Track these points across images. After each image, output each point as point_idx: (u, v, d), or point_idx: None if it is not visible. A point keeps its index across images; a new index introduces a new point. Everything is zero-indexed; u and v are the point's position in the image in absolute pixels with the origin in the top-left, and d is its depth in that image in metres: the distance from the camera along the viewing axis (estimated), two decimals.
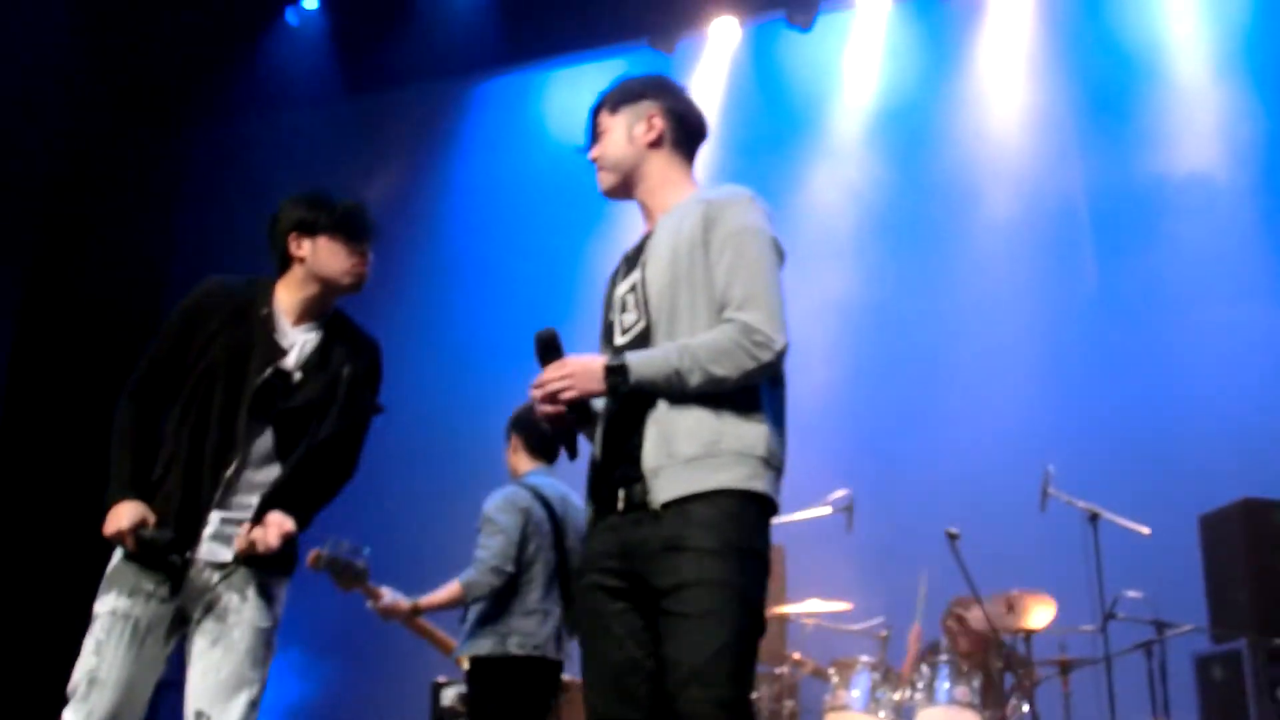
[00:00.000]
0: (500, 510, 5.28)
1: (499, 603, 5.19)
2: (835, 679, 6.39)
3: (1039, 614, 6.51)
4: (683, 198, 3.32)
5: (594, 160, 3.40)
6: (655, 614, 3.02)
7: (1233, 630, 6.48)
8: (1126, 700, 6.39)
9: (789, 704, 6.59)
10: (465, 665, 5.28)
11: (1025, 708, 6.28)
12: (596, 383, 3.06)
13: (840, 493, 6.97)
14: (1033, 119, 8.72)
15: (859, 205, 8.95)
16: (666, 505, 3.01)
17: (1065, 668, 6.49)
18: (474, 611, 5.25)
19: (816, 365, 8.32)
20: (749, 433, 3.06)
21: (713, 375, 3.01)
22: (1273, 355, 7.70)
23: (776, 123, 9.29)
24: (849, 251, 8.85)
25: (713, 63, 9.55)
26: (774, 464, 3.10)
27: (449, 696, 5.50)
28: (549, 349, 3.15)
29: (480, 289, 9.64)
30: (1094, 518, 6.65)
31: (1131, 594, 6.46)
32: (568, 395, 3.07)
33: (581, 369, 3.07)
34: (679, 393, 3.04)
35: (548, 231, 9.23)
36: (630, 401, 3.12)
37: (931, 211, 8.84)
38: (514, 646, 5.14)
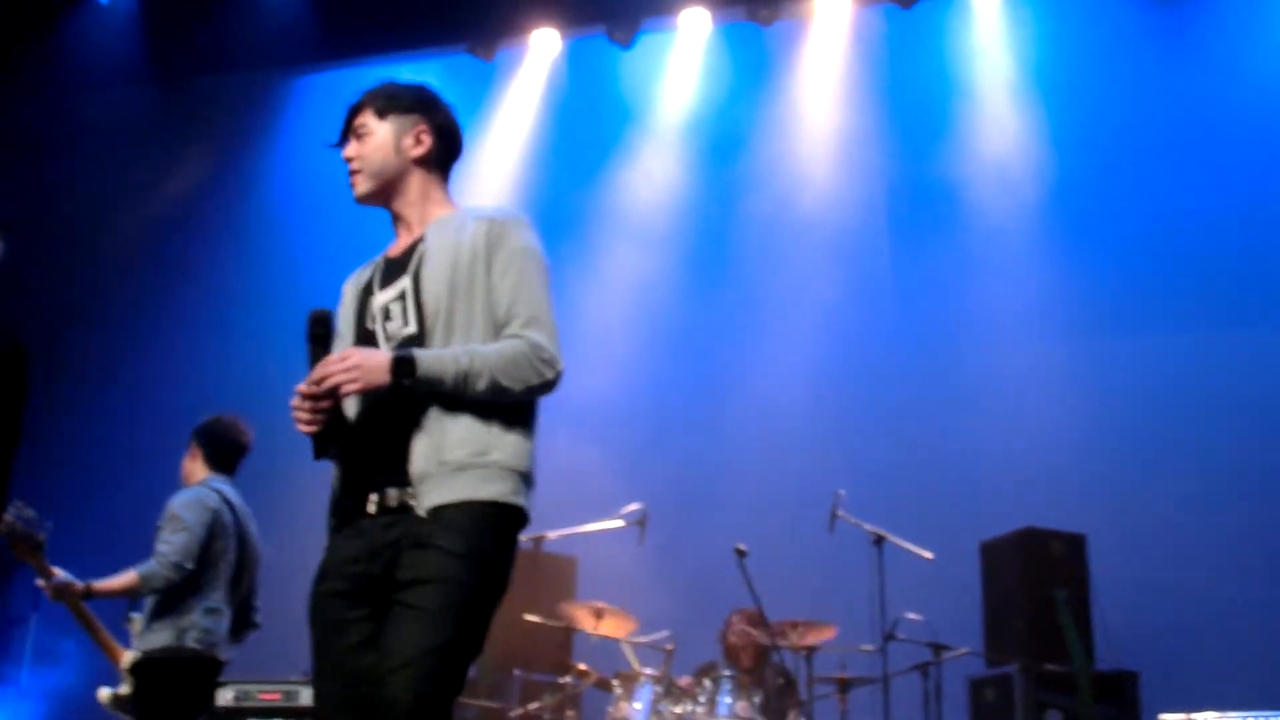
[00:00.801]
0: (187, 508, 5.34)
1: (178, 598, 5.24)
2: (618, 690, 6.32)
3: (820, 634, 6.56)
4: (445, 212, 3.31)
5: (349, 160, 3.32)
6: (389, 608, 2.97)
7: (1006, 655, 6.63)
8: (903, 718, 6.47)
9: (571, 714, 6.50)
10: (127, 662, 5.29)
11: None
12: (382, 375, 2.97)
13: (633, 506, 6.94)
14: (839, 147, 8.84)
15: (666, 221, 8.94)
16: (430, 510, 2.98)
17: (844, 686, 6.55)
18: (150, 604, 5.29)
19: (613, 379, 8.30)
20: (516, 447, 3.08)
21: (499, 384, 3.00)
22: (1056, 389, 7.92)
23: (590, 135, 9.25)
24: (650, 263, 8.83)
25: (531, 73, 9.49)
26: (531, 480, 3.11)
27: (103, 696, 5.38)
28: (321, 329, 3.08)
29: (284, 284, 9.37)
30: (879, 541, 6.75)
31: (911, 616, 6.55)
32: (352, 388, 2.97)
33: (367, 361, 2.98)
34: (461, 395, 3.00)
35: (354, 230, 9.01)
36: (394, 406, 3.05)
37: (735, 228, 8.90)
38: (191, 641, 5.22)
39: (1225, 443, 7.59)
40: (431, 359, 2.99)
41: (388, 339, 3.15)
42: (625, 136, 9.20)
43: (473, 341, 3.07)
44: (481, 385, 2.99)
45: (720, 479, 8.27)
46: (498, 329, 3.10)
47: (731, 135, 9.07)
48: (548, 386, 3.07)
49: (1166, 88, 8.35)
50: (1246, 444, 7.57)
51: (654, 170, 9.04)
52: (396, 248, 3.30)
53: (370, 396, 3.06)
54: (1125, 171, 8.30)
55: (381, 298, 3.21)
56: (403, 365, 2.97)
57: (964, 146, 8.58)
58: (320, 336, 3.09)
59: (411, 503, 3.00)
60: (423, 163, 3.32)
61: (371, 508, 3.05)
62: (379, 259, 3.32)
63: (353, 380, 2.96)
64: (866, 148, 8.80)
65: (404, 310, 3.15)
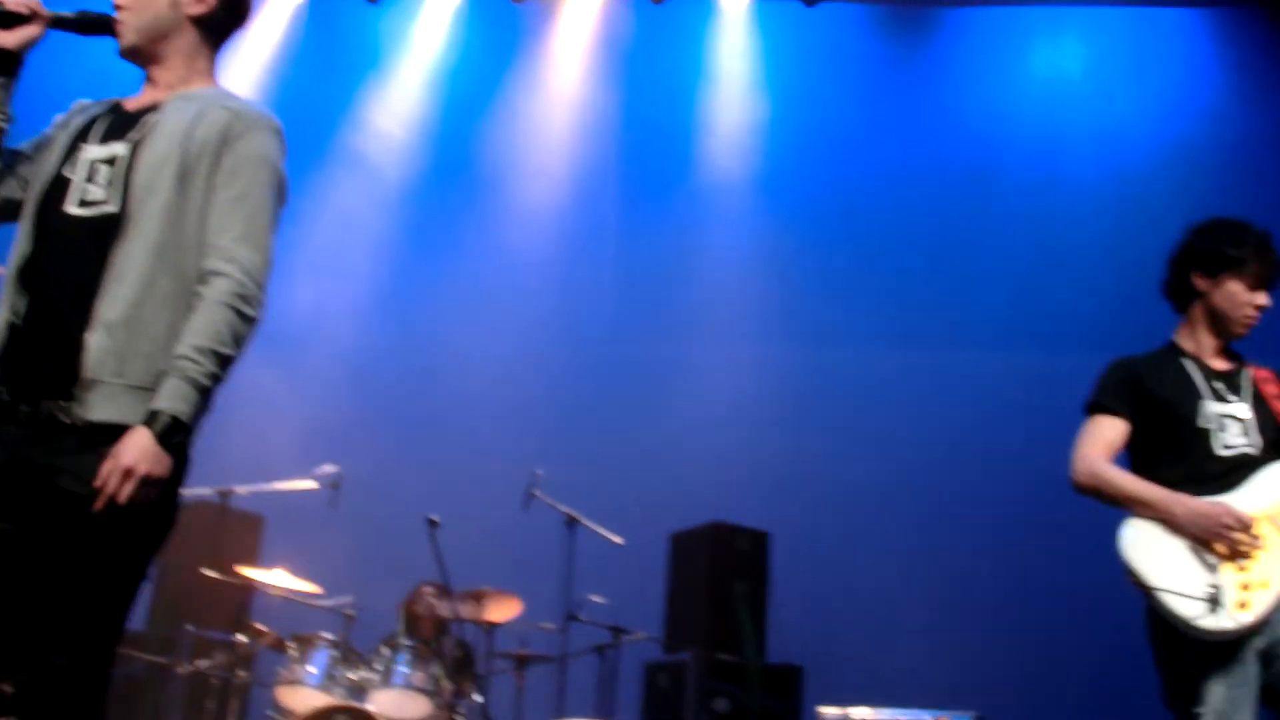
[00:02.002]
0: None
1: None
2: (294, 653, 6.16)
3: (504, 609, 6.55)
4: (204, 86, 3.02)
5: (118, 6, 2.98)
6: (36, 527, 2.67)
7: (683, 642, 6.83)
8: (576, 699, 6.54)
9: (242, 674, 6.30)
10: None
11: (478, 698, 6.27)
12: (162, 462, 2.67)
13: (329, 468, 6.76)
14: (574, 133, 8.88)
15: (393, 185, 8.82)
16: (91, 425, 2.68)
17: (522, 662, 6.57)
18: None
19: (323, 336, 8.12)
20: None
21: (230, 358, 2.77)
22: (754, 391, 8.22)
23: (325, 87, 8.96)
24: (373, 221, 8.73)
25: (268, 27, 9.14)
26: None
27: None
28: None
29: None
30: (572, 522, 6.78)
31: (595, 599, 6.61)
32: (135, 495, 2.64)
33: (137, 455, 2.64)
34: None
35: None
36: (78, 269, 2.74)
37: (463, 198, 8.84)
38: None
39: (905, 453, 8.00)
40: (183, 402, 2.68)
41: (83, 202, 2.82)
42: (360, 92, 8.98)
43: (167, 235, 2.77)
44: (220, 376, 2.75)
45: (420, 448, 8.19)
46: (208, 236, 2.81)
47: (471, 105, 8.96)
48: (255, 326, 2.84)
49: (902, 105, 8.74)
50: (924, 455, 7.99)
51: (385, 130, 8.85)
52: (134, 102, 2.98)
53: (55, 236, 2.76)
54: (837, 184, 8.64)
55: (92, 152, 2.87)
56: (173, 434, 2.68)
57: (692, 150, 8.75)
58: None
59: (67, 409, 2.69)
60: (199, 23, 2.99)
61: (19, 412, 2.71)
62: (110, 103, 2.98)
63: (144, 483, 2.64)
64: (601, 138, 8.85)
65: (110, 180, 2.82)
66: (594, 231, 8.78)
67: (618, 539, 6.73)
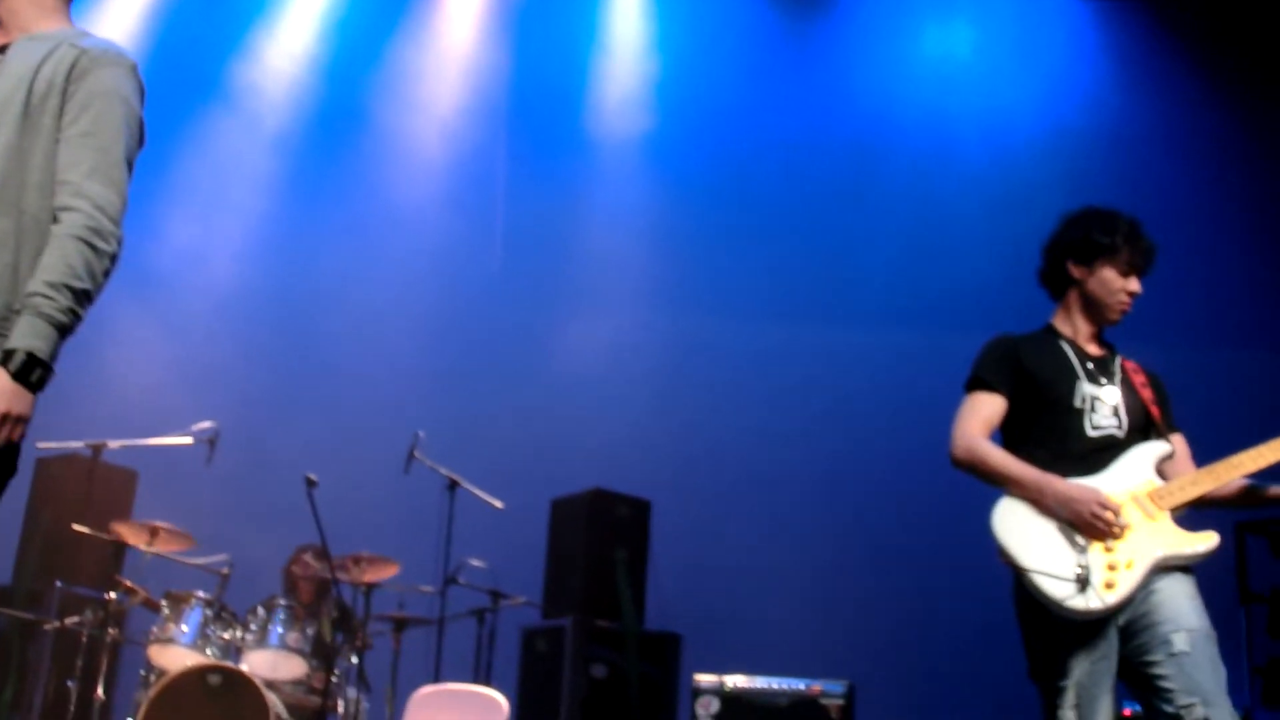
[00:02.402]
0: None
1: None
2: (166, 611, 6.06)
3: (382, 571, 6.50)
4: (55, 26, 2.92)
5: None
6: None
7: (562, 608, 6.85)
8: (453, 663, 6.56)
9: (113, 632, 6.17)
10: None
11: (355, 660, 6.23)
12: (26, 401, 2.61)
13: (205, 424, 6.63)
14: (468, 90, 8.81)
15: (272, 144, 8.62)
16: None
17: (400, 625, 6.55)
18: None
19: (199, 287, 7.97)
20: None
21: (85, 293, 2.67)
22: (639, 362, 8.29)
23: (216, 39, 8.76)
24: (258, 167, 8.54)
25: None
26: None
27: None
28: None
29: None
30: (453, 485, 6.75)
31: (475, 563, 6.61)
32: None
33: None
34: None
35: None
36: None
37: (351, 149, 8.70)
38: None
39: (784, 425, 8.13)
40: (38, 338, 2.60)
41: None
42: (247, 34, 8.73)
43: (18, 190, 2.70)
44: (79, 311, 2.67)
45: (300, 406, 8.10)
46: (51, 185, 2.72)
47: (361, 53, 8.80)
48: (113, 262, 2.74)
49: (793, 78, 8.80)
50: (803, 428, 8.14)
51: (272, 72, 8.64)
52: None
53: None
54: (726, 154, 8.69)
55: None
56: (31, 371, 2.60)
57: (582, 113, 8.73)
58: None
59: None
60: None
61: None
62: None
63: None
64: (490, 96, 8.81)
65: None
66: (480, 190, 8.72)
67: (498, 503, 6.72)
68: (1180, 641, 3.34)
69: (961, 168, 8.64)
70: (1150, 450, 3.64)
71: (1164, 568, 3.45)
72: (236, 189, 8.48)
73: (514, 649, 6.94)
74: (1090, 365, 3.71)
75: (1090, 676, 3.40)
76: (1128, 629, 3.43)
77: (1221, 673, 3.34)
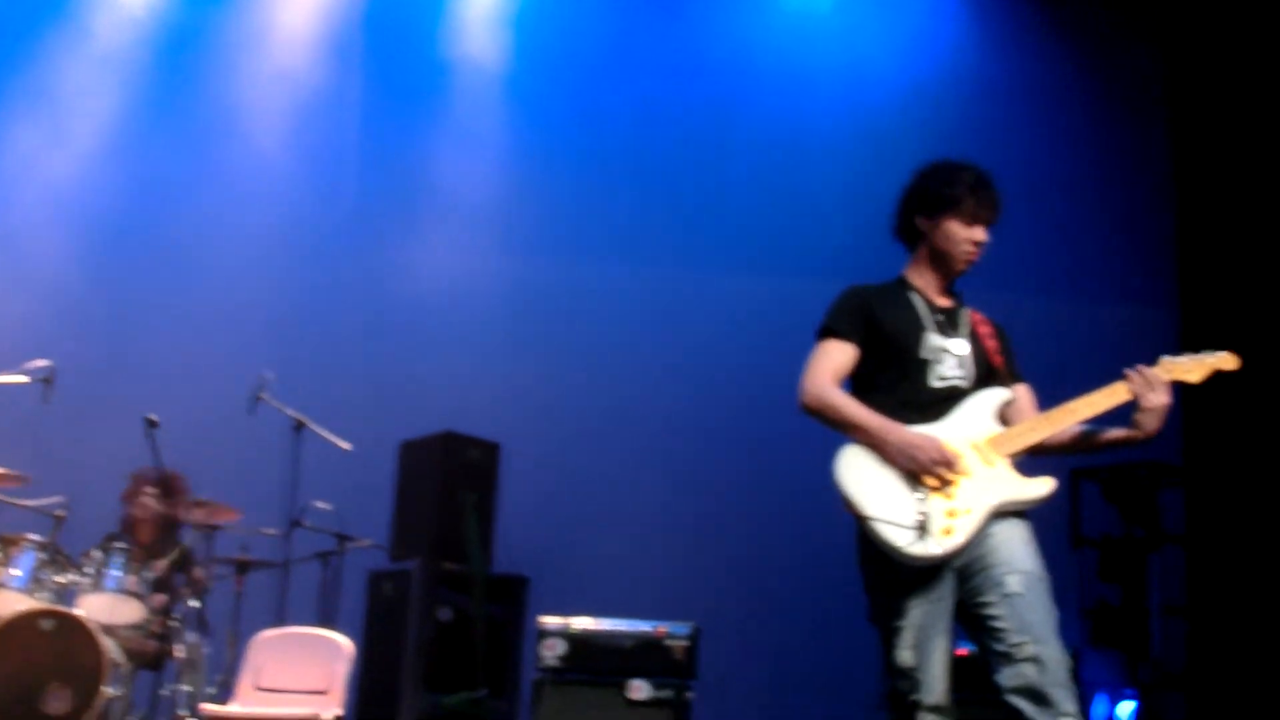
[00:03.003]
0: None
1: None
2: None
3: (226, 512, 6.45)
4: None
5: None
6: None
7: (409, 551, 6.81)
8: (298, 606, 6.49)
9: None
10: None
11: (195, 603, 6.14)
12: None
13: (40, 362, 6.41)
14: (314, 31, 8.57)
15: (120, 75, 8.30)
16: None
17: (243, 568, 6.48)
18: None
19: (42, 221, 7.70)
20: None
21: None
22: (490, 302, 8.25)
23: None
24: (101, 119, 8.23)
25: None
26: None
27: None
28: None
29: None
30: (299, 427, 6.67)
31: (320, 505, 6.56)
32: None
33: None
34: None
35: None
36: None
37: (203, 89, 8.44)
38: None
39: (636, 369, 8.17)
40: None
41: None
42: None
43: None
44: None
45: (141, 345, 7.90)
46: None
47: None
48: None
49: (653, 32, 8.78)
50: (655, 372, 8.19)
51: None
52: None
53: None
54: (585, 105, 8.63)
55: None
56: None
57: (440, 58, 8.61)
58: None
59: None
60: None
61: None
62: None
63: None
64: (347, 36, 8.60)
65: None
66: (330, 124, 8.53)
67: (345, 445, 6.65)
68: (1014, 583, 3.43)
69: (822, 121, 8.70)
70: (991, 398, 3.72)
71: (1001, 513, 3.53)
72: (74, 119, 8.16)
73: (360, 592, 6.88)
74: (939, 317, 3.77)
75: (927, 618, 3.49)
76: (964, 572, 3.52)
77: (1053, 613, 3.44)
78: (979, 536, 3.51)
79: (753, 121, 8.74)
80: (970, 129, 8.26)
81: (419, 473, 7.03)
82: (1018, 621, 3.39)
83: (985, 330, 3.83)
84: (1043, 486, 3.58)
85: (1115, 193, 8.73)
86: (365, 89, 8.63)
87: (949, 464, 3.50)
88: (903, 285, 3.87)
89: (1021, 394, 3.83)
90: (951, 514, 3.50)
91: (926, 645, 3.48)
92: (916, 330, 3.73)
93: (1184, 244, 8.68)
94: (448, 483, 6.85)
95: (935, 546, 3.45)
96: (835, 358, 3.73)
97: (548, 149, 8.58)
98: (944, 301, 3.85)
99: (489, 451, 7.08)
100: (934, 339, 3.73)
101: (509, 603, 6.79)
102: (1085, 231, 8.70)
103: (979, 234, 3.76)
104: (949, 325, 3.78)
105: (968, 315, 3.85)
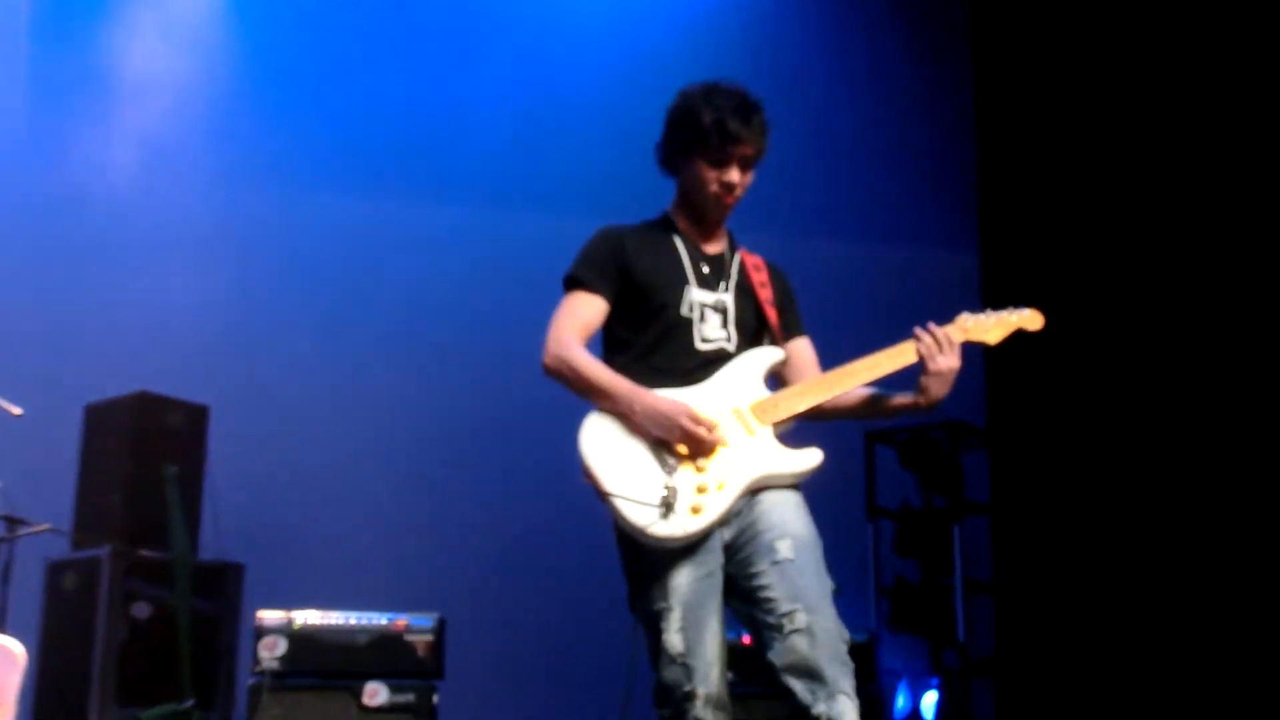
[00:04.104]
0: None
1: None
2: None
3: None
4: None
5: None
6: None
7: (97, 536, 6.49)
8: None
9: None
10: None
11: None
12: None
13: None
14: None
15: None
16: None
17: None
18: None
19: None
20: None
21: None
22: (194, 240, 7.97)
23: None
24: None
25: None
26: None
27: None
28: None
29: None
30: None
31: None
32: None
33: None
34: None
35: None
36: None
37: None
38: None
39: (370, 320, 8.10)
40: None
41: None
42: None
43: None
44: None
45: None
46: None
47: None
48: None
49: None
50: (394, 324, 8.12)
51: None
52: None
53: None
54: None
55: None
56: None
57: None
58: None
59: None
60: None
61: None
62: None
63: None
64: None
65: None
66: None
67: (16, 410, 6.22)
68: (784, 549, 3.45)
69: (585, 41, 8.71)
70: (758, 358, 3.71)
71: (762, 488, 3.54)
72: None
73: (35, 587, 6.59)
74: (705, 268, 3.75)
75: (696, 595, 3.47)
76: (733, 545, 3.52)
77: (827, 582, 3.47)
78: (744, 505, 3.52)
79: (507, 40, 8.71)
80: (752, 53, 8.34)
81: (108, 442, 6.73)
82: (789, 588, 3.41)
83: (759, 278, 3.80)
84: (809, 459, 3.58)
85: (913, 126, 8.94)
86: None
87: (702, 430, 3.46)
88: (667, 226, 3.82)
89: (800, 350, 3.83)
90: (701, 489, 3.48)
91: (696, 626, 3.46)
92: (677, 283, 3.70)
93: (986, 183, 8.91)
94: (143, 453, 6.57)
95: (678, 527, 3.43)
96: (581, 313, 3.69)
97: (264, 59, 8.34)
98: (712, 247, 3.82)
99: (194, 415, 6.81)
100: (695, 293, 3.71)
101: (219, 595, 6.58)
102: (880, 167, 8.90)
103: (731, 175, 3.69)
104: (715, 276, 3.75)
105: (739, 261, 3.82)
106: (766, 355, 3.70)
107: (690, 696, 3.42)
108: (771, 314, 3.78)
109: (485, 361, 7.93)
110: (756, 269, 3.82)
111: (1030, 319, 3.82)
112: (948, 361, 3.59)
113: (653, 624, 3.48)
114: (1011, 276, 8.40)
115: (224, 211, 8.10)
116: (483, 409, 8.04)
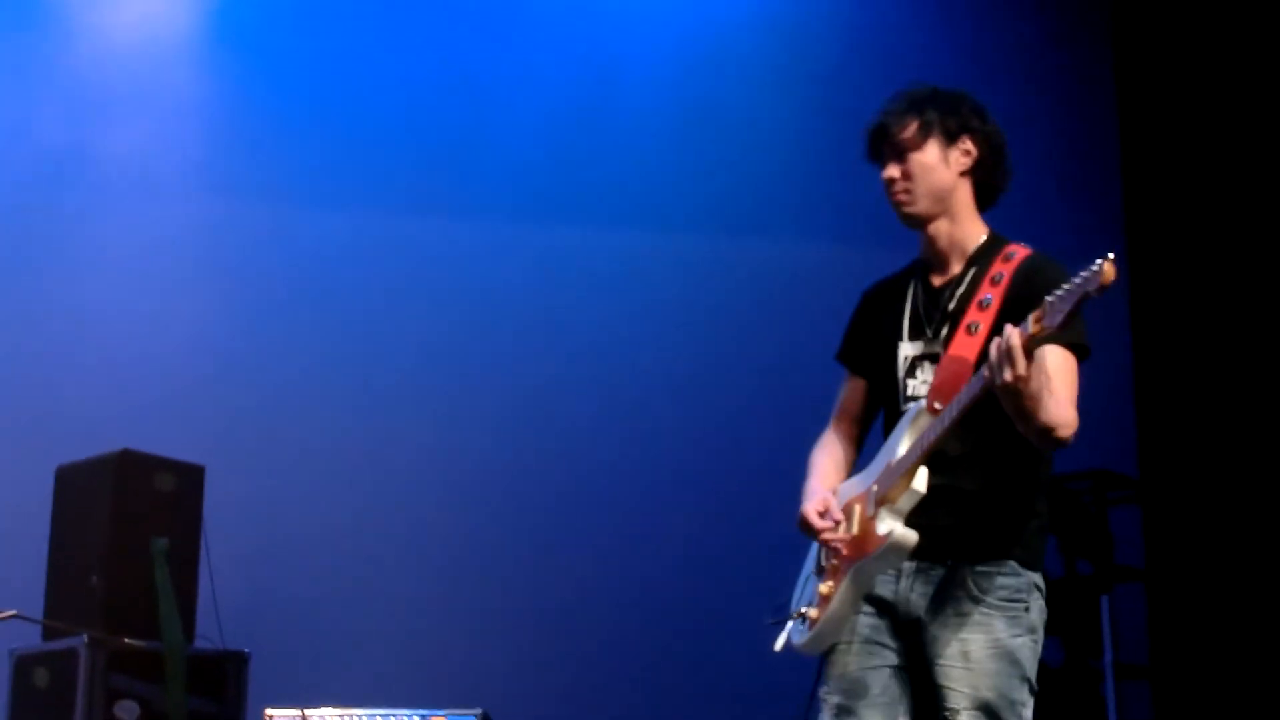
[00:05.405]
0: None
1: None
2: None
3: None
4: None
5: None
6: None
7: (73, 623, 6.47)
8: None
9: None
10: None
11: None
12: None
13: None
14: None
15: None
16: None
17: None
18: None
19: None
20: None
21: None
22: (186, 272, 8.07)
23: None
24: None
25: None
26: None
27: None
28: None
29: None
30: None
31: None
32: None
33: None
34: None
35: None
36: None
37: None
38: None
39: (387, 367, 8.16)
40: None
41: None
42: None
43: None
44: None
45: None
46: None
47: None
48: None
49: None
50: (416, 374, 8.17)
51: None
52: None
53: None
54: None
55: None
56: None
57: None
58: None
59: None
60: None
61: None
62: None
63: None
64: None
65: None
66: None
67: None
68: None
69: (633, 35, 8.87)
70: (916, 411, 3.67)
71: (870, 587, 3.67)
72: None
73: (1, 684, 6.62)
74: (924, 308, 3.79)
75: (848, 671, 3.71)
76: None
77: None
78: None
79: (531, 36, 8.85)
80: (851, 49, 8.72)
81: (84, 510, 6.73)
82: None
83: (995, 290, 3.62)
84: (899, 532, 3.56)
85: (1055, 122, 8.95)
86: None
87: (826, 525, 3.65)
88: (913, 268, 3.92)
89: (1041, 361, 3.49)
90: (823, 594, 3.68)
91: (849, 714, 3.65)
92: (893, 338, 3.81)
93: (1131, 183, 8.91)
94: (127, 523, 6.56)
95: (796, 636, 3.75)
96: (843, 395, 4.01)
97: (249, 75, 8.53)
98: (941, 277, 3.82)
99: (189, 477, 6.82)
100: (906, 346, 3.79)
101: (220, 690, 6.55)
102: (1019, 165, 8.92)
103: (887, 172, 3.83)
104: (933, 313, 3.77)
105: (980, 274, 3.72)
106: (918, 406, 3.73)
107: None
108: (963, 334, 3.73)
109: (524, 411, 8.13)
110: (999, 281, 3.70)
111: (1103, 273, 3.15)
112: (1008, 374, 3.27)
113: None
114: (1167, 301, 8.40)
115: (218, 233, 8.24)
116: (525, 470, 8.16)
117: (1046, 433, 3.41)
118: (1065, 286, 3.14)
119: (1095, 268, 3.05)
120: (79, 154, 8.18)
